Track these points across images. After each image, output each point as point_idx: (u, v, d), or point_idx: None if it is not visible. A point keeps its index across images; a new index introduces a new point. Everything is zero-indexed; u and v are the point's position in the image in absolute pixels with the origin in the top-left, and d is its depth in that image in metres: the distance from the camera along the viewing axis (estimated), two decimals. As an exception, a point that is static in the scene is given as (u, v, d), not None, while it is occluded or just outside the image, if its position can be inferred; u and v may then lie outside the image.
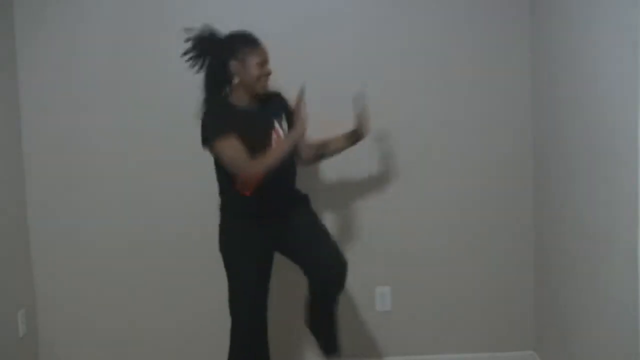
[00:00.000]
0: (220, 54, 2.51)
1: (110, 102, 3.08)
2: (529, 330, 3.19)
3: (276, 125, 2.57)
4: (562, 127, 2.73)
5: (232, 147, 2.41)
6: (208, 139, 2.48)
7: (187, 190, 3.12)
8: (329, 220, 3.08)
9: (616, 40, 2.17)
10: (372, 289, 3.15)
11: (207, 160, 3.08)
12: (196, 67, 2.53)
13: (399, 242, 3.16)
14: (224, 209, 2.67)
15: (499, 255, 3.17)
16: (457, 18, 3.07)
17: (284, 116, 2.61)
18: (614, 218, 2.22)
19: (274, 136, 2.54)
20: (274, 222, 2.61)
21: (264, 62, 2.50)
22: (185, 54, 2.52)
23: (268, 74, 2.52)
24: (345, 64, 3.05)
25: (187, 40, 2.53)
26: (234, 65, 2.50)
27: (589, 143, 2.44)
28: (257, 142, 2.48)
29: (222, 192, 2.67)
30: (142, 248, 3.14)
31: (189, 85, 3.06)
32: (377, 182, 3.13)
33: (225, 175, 2.56)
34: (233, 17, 3.05)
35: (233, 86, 2.56)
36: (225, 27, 3.05)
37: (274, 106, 2.61)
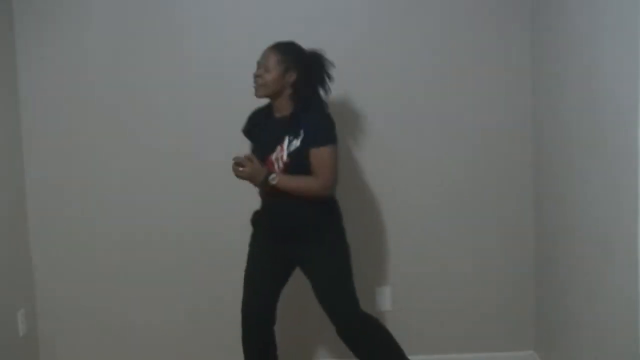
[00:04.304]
0: None
1: (111, 102, 3.08)
2: (529, 330, 3.18)
3: (284, 142, 2.49)
4: (562, 127, 2.73)
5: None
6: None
7: (188, 191, 3.12)
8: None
9: (616, 40, 2.17)
10: (372, 289, 3.15)
11: (208, 160, 3.09)
12: None
13: (399, 242, 3.16)
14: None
15: (499, 255, 3.17)
16: (457, 18, 3.07)
17: (301, 133, 2.49)
18: (614, 218, 2.22)
19: (276, 151, 2.49)
20: None
21: (257, 64, 2.52)
22: None
23: (255, 75, 2.51)
24: (345, 65, 3.04)
25: None
26: None
27: (589, 143, 2.43)
28: (255, 151, 2.57)
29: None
30: (142, 248, 3.14)
31: (189, 84, 3.08)
32: (377, 182, 3.12)
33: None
34: (234, 17, 3.07)
35: None
36: (226, 26, 3.07)
37: (300, 121, 2.50)
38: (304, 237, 2.55)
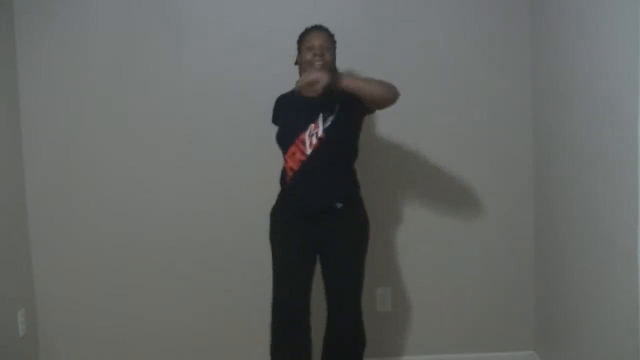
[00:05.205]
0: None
1: (111, 102, 3.08)
2: (529, 330, 3.19)
3: (318, 119, 2.52)
4: (562, 128, 2.73)
5: None
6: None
7: (188, 190, 3.12)
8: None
9: (616, 40, 2.17)
10: (372, 290, 3.15)
11: (208, 160, 3.09)
12: None
13: (399, 242, 3.16)
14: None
15: (499, 255, 3.17)
16: (457, 18, 3.07)
17: (336, 107, 2.54)
18: (614, 218, 2.22)
19: (309, 129, 2.51)
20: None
21: (312, 47, 2.54)
22: None
23: (315, 54, 2.52)
24: (343, 65, 3.04)
25: None
26: (298, 59, 2.62)
27: (589, 143, 2.44)
28: (283, 132, 2.59)
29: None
30: (141, 248, 3.14)
31: (191, 85, 3.08)
32: (376, 182, 3.12)
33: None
34: (235, 17, 3.07)
35: None
36: (227, 26, 3.07)
37: (336, 99, 2.54)
38: (335, 212, 2.57)
